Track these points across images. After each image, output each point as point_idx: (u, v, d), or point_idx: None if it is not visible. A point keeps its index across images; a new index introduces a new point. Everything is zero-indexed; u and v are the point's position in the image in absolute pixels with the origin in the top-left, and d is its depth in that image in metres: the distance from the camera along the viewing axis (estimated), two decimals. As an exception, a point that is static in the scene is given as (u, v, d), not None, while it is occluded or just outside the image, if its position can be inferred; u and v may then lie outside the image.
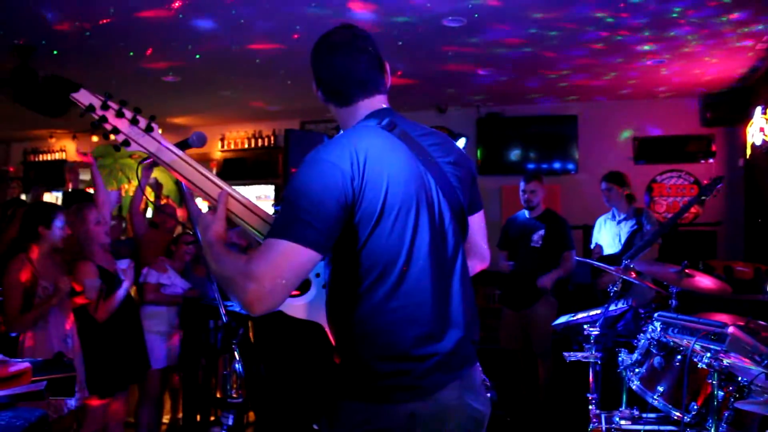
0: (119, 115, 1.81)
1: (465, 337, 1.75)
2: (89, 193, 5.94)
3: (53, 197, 10.62)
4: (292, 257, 1.55)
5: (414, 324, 1.67)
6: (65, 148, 10.88)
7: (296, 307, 1.90)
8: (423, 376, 1.65)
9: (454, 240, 1.80)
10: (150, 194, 5.27)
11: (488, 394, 1.86)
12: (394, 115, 1.87)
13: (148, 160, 1.92)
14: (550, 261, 5.17)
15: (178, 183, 1.91)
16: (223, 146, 9.70)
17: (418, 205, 1.70)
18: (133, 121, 1.83)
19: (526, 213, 5.36)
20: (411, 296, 1.68)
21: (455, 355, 1.71)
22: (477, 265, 2.05)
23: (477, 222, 2.01)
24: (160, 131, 1.87)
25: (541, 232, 5.20)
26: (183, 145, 2.43)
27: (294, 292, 1.81)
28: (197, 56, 6.00)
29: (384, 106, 1.90)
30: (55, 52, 5.86)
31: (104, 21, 5.09)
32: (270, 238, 1.58)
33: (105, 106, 1.82)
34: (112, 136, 1.83)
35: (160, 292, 4.45)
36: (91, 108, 1.82)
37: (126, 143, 1.84)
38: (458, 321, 1.75)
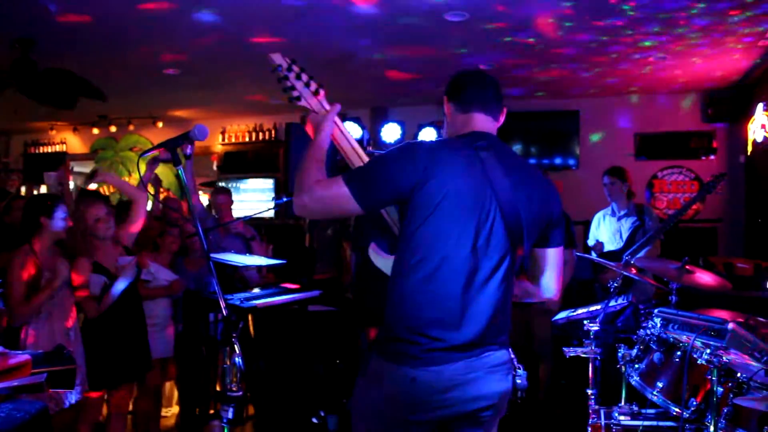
0: (297, 77, 2.31)
1: (481, 336, 2.03)
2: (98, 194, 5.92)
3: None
4: (342, 201, 2.01)
5: (436, 309, 2.00)
6: (66, 141, 10.88)
7: (384, 261, 2.30)
8: (429, 351, 1.98)
9: (498, 255, 2.08)
10: (150, 189, 5.26)
11: (517, 380, 2.18)
12: (494, 141, 2.17)
13: (152, 151, 2.16)
14: None
15: (178, 176, 2.24)
16: (223, 139, 9.68)
17: (470, 216, 2.03)
18: (306, 84, 2.31)
19: None
20: (441, 286, 2.00)
21: (467, 346, 2.01)
22: (540, 294, 2.30)
23: (548, 258, 2.27)
24: (322, 94, 2.34)
25: None
26: (184, 138, 2.45)
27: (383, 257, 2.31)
28: (198, 49, 5.99)
29: (490, 131, 2.22)
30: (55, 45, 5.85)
31: (105, 13, 5.08)
32: (341, 178, 2.02)
33: (289, 69, 2.32)
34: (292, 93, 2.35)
35: (143, 287, 4.36)
36: (279, 67, 2.33)
37: (297, 98, 2.31)
38: (479, 321, 2.03)
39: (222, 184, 9.15)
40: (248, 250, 5.41)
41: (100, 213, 3.87)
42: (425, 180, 2.00)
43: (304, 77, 2.33)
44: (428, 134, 5.85)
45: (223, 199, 5.68)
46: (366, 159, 2.27)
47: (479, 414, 2.09)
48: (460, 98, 2.26)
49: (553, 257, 2.27)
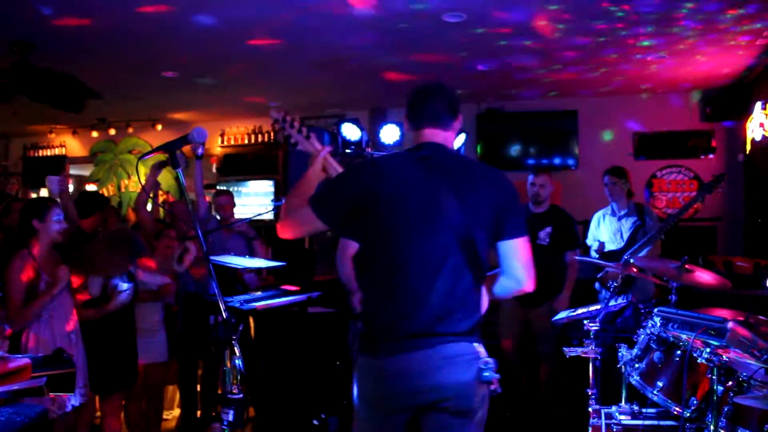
0: (291, 126, 2.72)
1: (439, 324, 2.20)
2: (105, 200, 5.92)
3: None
4: (310, 220, 2.32)
5: (392, 303, 2.23)
6: (65, 144, 10.88)
7: None
8: (386, 342, 2.21)
9: (446, 249, 2.24)
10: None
11: (484, 373, 2.22)
12: (438, 149, 2.38)
13: (151, 154, 2.51)
14: (556, 259, 5.01)
15: (177, 178, 2.38)
16: (222, 142, 9.68)
17: (417, 218, 2.23)
18: (299, 131, 2.72)
19: (531, 208, 5.13)
20: (394, 282, 2.23)
21: (426, 335, 2.19)
22: (512, 286, 2.41)
23: (510, 250, 2.36)
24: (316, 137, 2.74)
25: (548, 229, 5.02)
26: (183, 141, 2.45)
27: None
28: (196, 51, 5.99)
29: (439, 141, 2.41)
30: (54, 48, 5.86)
31: (104, 16, 5.08)
32: (307, 201, 2.33)
33: (284, 120, 2.72)
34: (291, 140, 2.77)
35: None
36: (277, 120, 2.73)
37: (295, 144, 2.73)
38: (431, 314, 2.20)
39: (221, 186, 9.16)
40: (250, 250, 5.41)
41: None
42: (372, 191, 2.24)
43: (296, 125, 2.73)
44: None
45: (225, 200, 5.69)
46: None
47: (442, 405, 2.19)
48: (410, 117, 2.47)
49: (514, 248, 2.36)
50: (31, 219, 3.60)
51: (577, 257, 4.98)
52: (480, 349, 2.27)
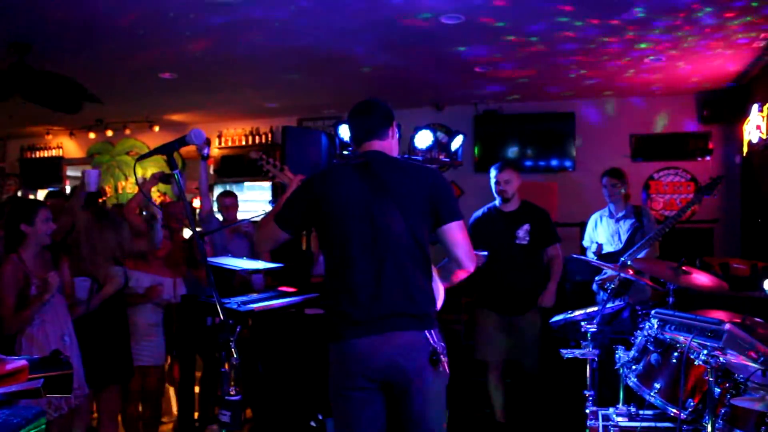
0: (267, 162, 3.42)
1: (390, 309, 2.50)
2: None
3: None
4: (275, 232, 2.71)
5: (346, 293, 2.55)
6: (62, 145, 10.86)
7: None
8: (347, 327, 2.52)
9: (390, 246, 2.53)
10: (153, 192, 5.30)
11: (441, 356, 2.52)
12: (374, 156, 2.67)
13: (148, 156, 2.62)
14: (538, 258, 4.83)
15: (175, 180, 2.54)
16: (220, 143, 9.68)
17: (360, 218, 2.54)
18: (274, 165, 3.40)
19: (501, 207, 4.84)
20: (345, 275, 2.55)
21: (373, 323, 2.49)
22: (456, 270, 2.70)
23: (447, 234, 2.62)
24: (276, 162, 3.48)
25: (526, 227, 4.73)
26: (180, 142, 2.46)
27: None
28: (193, 52, 5.99)
29: (377, 149, 2.71)
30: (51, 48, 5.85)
31: (101, 17, 5.07)
32: (273, 217, 2.72)
33: (261, 158, 3.48)
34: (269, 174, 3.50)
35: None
36: (257, 159, 3.49)
37: (273, 177, 3.43)
38: (385, 298, 2.51)
39: (219, 187, 9.16)
40: (253, 251, 5.41)
41: (127, 235, 4.03)
42: (320, 200, 2.60)
43: (272, 161, 3.44)
44: (424, 136, 5.83)
45: (230, 201, 5.69)
46: None
47: (403, 384, 2.51)
48: (352, 139, 2.80)
49: (451, 232, 2.62)
50: (18, 223, 3.56)
51: (575, 256, 4.95)
52: (430, 334, 2.54)
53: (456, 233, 2.62)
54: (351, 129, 2.81)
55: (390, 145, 2.75)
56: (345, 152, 5.91)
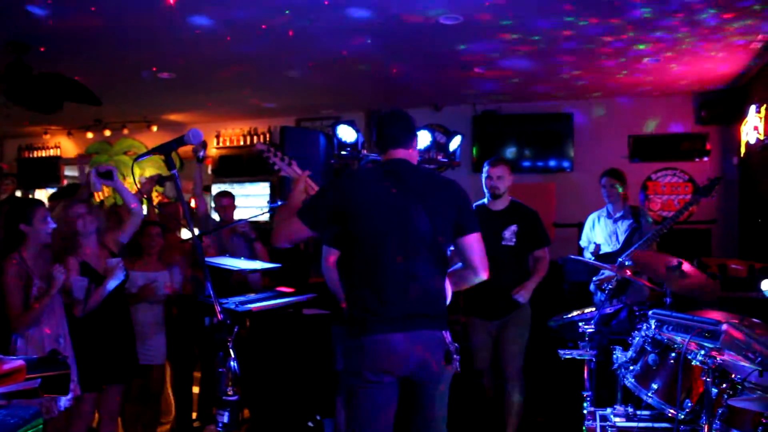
0: (275, 155, 3.19)
1: (414, 309, 2.65)
2: (77, 186, 5.89)
3: (47, 193, 10.61)
4: (299, 230, 2.76)
5: (376, 291, 2.65)
6: (60, 145, 10.85)
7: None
8: (376, 324, 2.63)
9: (416, 249, 2.69)
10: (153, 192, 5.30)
11: (453, 356, 2.71)
12: (402, 164, 2.83)
13: (146, 156, 2.73)
14: (522, 259, 4.53)
15: (173, 180, 2.63)
16: (218, 143, 9.68)
17: (389, 221, 2.67)
18: (282, 159, 3.19)
19: (489, 205, 4.58)
20: (374, 275, 2.67)
21: (400, 321, 2.63)
22: (470, 276, 2.86)
23: (468, 243, 2.80)
24: (292, 163, 3.22)
25: (513, 228, 4.46)
26: (179, 142, 2.46)
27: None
28: (191, 52, 5.98)
29: (402, 158, 2.86)
30: (47, 49, 5.84)
31: (100, 17, 5.07)
32: (296, 215, 2.77)
33: (268, 150, 3.21)
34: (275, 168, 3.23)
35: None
36: (263, 151, 3.21)
37: (279, 170, 3.19)
38: (412, 297, 2.65)
39: (216, 187, 9.15)
40: (251, 252, 5.41)
41: (80, 210, 3.86)
42: (351, 201, 2.70)
43: (279, 154, 3.21)
44: (422, 137, 5.83)
45: (227, 201, 5.69)
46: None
47: (422, 378, 2.66)
48: (378, 144, 2.92)
49: (471, 243, 2.80)
50: (17, 223, 3.55)
51: (572, 257, 4.94)
52: (445, 334, 2.71)
53: (476, 243, 2.82)
54: (378, 136, 2.93)
55: (413, 154, 2.93)
56: (343, 152, 5.91)
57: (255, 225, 5.80)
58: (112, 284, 3.81)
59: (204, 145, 2.59)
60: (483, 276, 2.86)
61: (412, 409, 2.73)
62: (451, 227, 2.78)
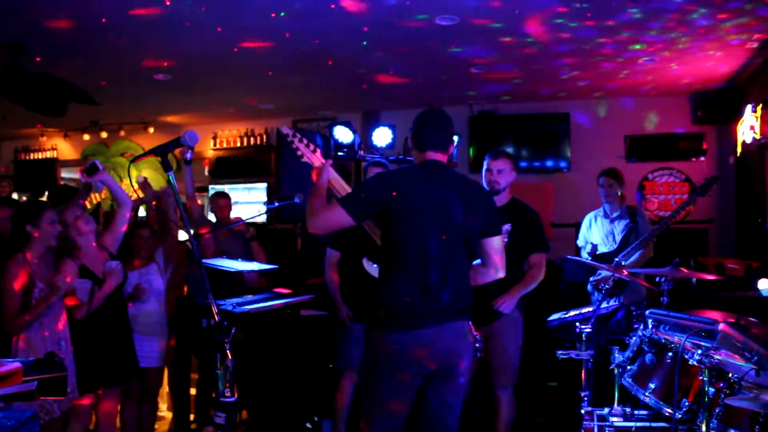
0: (300, 141, 3.12)
1: (447, 306, 2.79)
2: (75, 189, 5.89)
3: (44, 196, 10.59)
4: (341, 217, 2.81)
5: (411, 290, 2.77)
6: (56, 147, 10.83)
7: (373, 269, 3.37)
8: (407, 320, 2.76)
9: (455, 245, 2.84)
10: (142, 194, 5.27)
11: (476, 344, 2.93)
12: (441, 166, 2.96)
13: (142, 157, 2.76)
14: (517, 263, 4.04)
15: (168, 181, 2.61)
16: (215, 145, 9.67)
17: (430, 220, 2.80)
18: (307, 145, 3.13)
19: None
20: (413, 272, 2.78)
21: (439, 315, 2.77)
22: (491, 273, 3.02)
23: (494, 243, 2.98)
24: (316, 148, 3.17)
25: (507, 227, 4.03)
26: (175, 144, 2.46)
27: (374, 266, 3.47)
28: (188, 54, 5.98)
29: (439, 160, 2.98)
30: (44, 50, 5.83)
31: (96, 19, 5.06)
32: (336, 203, 2.84)
33: (294, 135, 3.13)
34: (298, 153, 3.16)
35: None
36: (287, 135, 3.14)
37: (301, 156, 3.12)
38: (450, 291, 2.79)
39: (213, 188, 9.16)
40: (248, 251, 5.40)
41: (76, 212, 3.90)
42: (395, 197, 2.80)
43: (305, 140, 3.14)
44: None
45: (223, 202, 5.69)
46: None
47: (449, 368, 2.81)
48: (416, 143, 3.01)
49: (495, 243, 2.98)
50: (24, 224, 3.56)
51: (570, 257, 4.91)
52: (471, 325, 2.92)
53: (499, 245, 3.01)
54: (420, 136, 3.00)
55: (446, 158, 3.04)
56: (340, 153, 5.91)
57: (252, 225, 5.82)
58: (111, 286, 3.82)
59: (189, 147, 2.48)
60: (501, 275, 3.04)
61: (436, 397, 2.86)
62: (479, 228, 2.95)
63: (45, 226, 3.58)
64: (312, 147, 3.14)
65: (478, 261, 3.07)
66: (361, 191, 2.90)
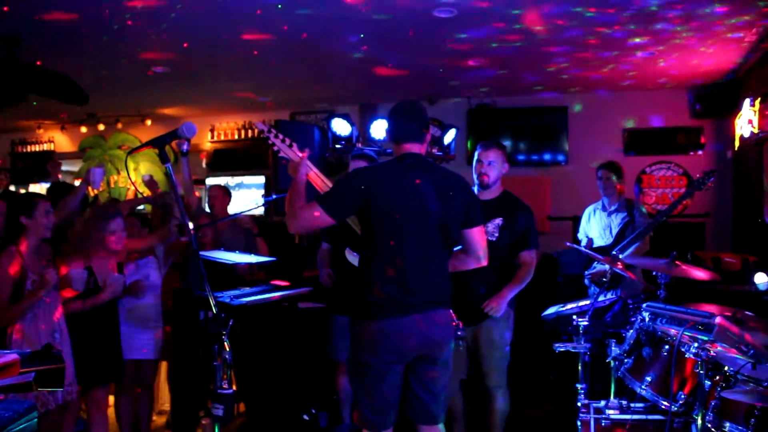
0: (276, 136, 3.13)
1: (427, 295, 2.87)
2: (72, 186, 5.88)
3: (41, 188, 10.57)
4: (320, 217, 2.84)
5: (396, 279, 2.83)
6: (53, 139, 10.80)
7: (355, 259, 3.27)
8: (392, 308, 2.81)
9: (433, 236, 2.91)
10: (146, 190, 5.28)
11: (458, 332, 3.16)
12: (417, 158, 2.99)
13: (139, 149, 2.70)
14: (508, 259, 3.98)
15: (167, 174, 2.60)
16: (212, 137, 9.66)
17: (408, 212, 2.85)
18: (282, 140, 3.12)
19: (477, 194, 3.89)
20: (392, 264, 2.84)
21: (418, 304, 2.84)
22: (472, 262, 3.12)
23: (474, 235, 3.06)
24: (290, 143, 3.16)
25: (498, 221, 3.94)
26: (172, 136, 2.46)
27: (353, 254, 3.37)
28: (186, 46, 5.96)
29: (414, 151, 3.01)
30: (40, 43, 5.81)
31: (92, 11, 5.04)
32: (315, 202, 2.85)
33: (269, 131, 3.15)
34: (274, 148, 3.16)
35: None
36: (263, 131, 3.17)
37: (278, 151, 3.12)
38: (430, 284, 2.89)
39: (211, 180, 9.15)
40: (251, 247, 5.40)
41: (117, 227, 3.93)
42: (372, 192, 2.84)
43: (281, 136, 3.14)
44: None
45: (216, 193, 5.70)
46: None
47: (431, 355, 2.89)
48: (392, 136, 3.06)
49: (476, 234, 3.06)
50: (18, 216, 3.56)
51: (569, 244, 4.88)
52: (451, 313, 3.05)
53: (481, 235, 3.09)
54: (393, 128, 3.04)
55: (424, 149, 3.08)
56: (338, 146, 5.91)
57: (256, 220, 5.83)
58: (106, 298, 3.84)
59: (183, 139, 2.46)
60: (484, 263, 3.12)
61: (418, 383, 2.94)
62: (460, 219, 2.99)
63: (39, 218, 3.58)
64: (288, 142, 3.13)
65: (458, 247, 3.14)
66: (338, 188, 2.93)
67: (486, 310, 3.85)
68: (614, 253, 4.31)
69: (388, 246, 2.85)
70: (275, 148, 3.14)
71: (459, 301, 3.34)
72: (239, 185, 9.33)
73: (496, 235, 3.95)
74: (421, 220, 2.87)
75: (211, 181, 9.19)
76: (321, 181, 3.11)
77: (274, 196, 5.08)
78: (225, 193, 5.80)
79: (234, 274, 5.21)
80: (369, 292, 2.85)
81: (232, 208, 5.98)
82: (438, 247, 2.94)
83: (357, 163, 4.26)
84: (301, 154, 3.08)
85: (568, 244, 4.46)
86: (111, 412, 4.31)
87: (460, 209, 2.99)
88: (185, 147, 5.00)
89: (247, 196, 9.21)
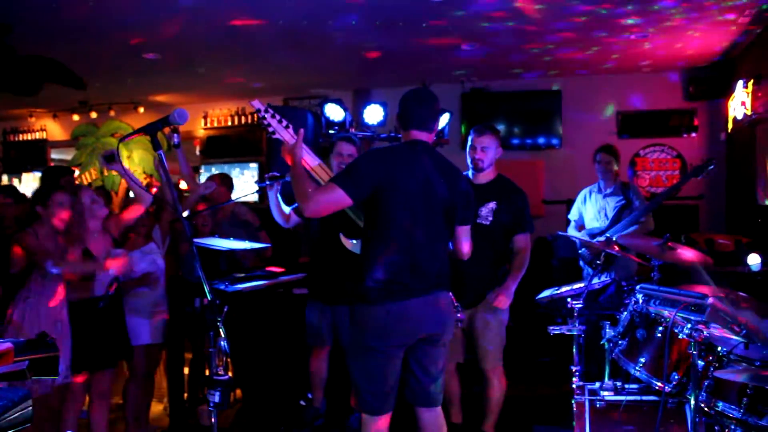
0: (272, 116, 3.06)
1: (434, 278, 2.91)
2: (68, 169, 5.86)
3: (34, 177, 10.55)
4: (339, 198, 2.80)
5: (399, 263, 2.84)
6: (45, 127, 10.74)
7: (354, 245, 3.37)
8: (396, 291, 2.84)
9: (439, 221, 2.94)
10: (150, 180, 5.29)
11: (458, 315, 3.24)
12: (427, 146, 3.02)
13: (132, 136, 2.65)
14: (500, 244, 4.02)
15: (159, 160, 2.61)
16: (206, 124, 9.62)
17: (418, 193, 2.87)
18: (279, 121, 3.08)
19: (471, 178, 4.03)
20: (401, 247, 2.84)
21: (424, 287, 2.88)
22: (456, 256, 3.17)
23: (464, 232, 3.13)
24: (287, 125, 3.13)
25: (492, 205, 3.95)
26: (164, 122, 2.45)
27: (352, 241, 3.44)
28: (178, 32, 5.92)
29: (423, 139, 3.02)
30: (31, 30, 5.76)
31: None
32: (332, 183, 2.82)
33: (266, 111, 3.07)
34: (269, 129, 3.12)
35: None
36: (259, 110, 3.08)
37: (273, 133, 3.08)
38: (431, 270, 2.91)
39: (204, 167, 9.12)
40: (252, 239, 5.37)
41: (93, 195, 3.98)
42: (390, 174, 2.83)
43: (277, 116, 3.09)
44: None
45: (223, 190, 5.67)
46: (327, 169, 3.26)
47: (434, 337, 2.93)
48: (402, 122, 3.04)
49: (466, 232, 3.14)
50: (35, 205, 3.76)
51: (561, 233, 4.91)
52: (451, 295, 3.09)
53: (467, 233, 3.16)
54: (405, 115, 3.01)
55: (431, 139, 3.08)
56: (331, 131, 5.88)
57: (251, 207, 5.81)
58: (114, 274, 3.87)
59: (175, 127, 2.38)
60: (465, 258, 3.20)
61: (420, 367, 2.98)
62: (458, 212, 3.02)
63: (54, 207, 3.72)
64: (285, 123, 3.08)
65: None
66: (356, 169, 2.87)
67: (494, 304, 3.91)
68: (608, 235, 4.32)
69: (399, 229, 2.84)
70: (270, 129, 3.09)
71: (455, 285, 3.33)
72: (231, 165, 9.31)
73: (490, 218, 3.96)
74: (430, 204, 2.89)
75: (204, 168, 9.16)
76: (317, 164, 3.14)
77: (268, 182, 5.06)
78: (228, 188, 5.75)
79: (232, 261, 5.19)
80: (376, 276, 2.84)
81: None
82: (442, 231, 2.98)
83: (342, 145, 4.21)
84: (294, 136, 3.05)
85: (560, 233, 4.46)
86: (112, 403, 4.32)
87: (461, 201, 3.02)
88: (176, 140, 4.94)
89: (241, 182, 9.18)
